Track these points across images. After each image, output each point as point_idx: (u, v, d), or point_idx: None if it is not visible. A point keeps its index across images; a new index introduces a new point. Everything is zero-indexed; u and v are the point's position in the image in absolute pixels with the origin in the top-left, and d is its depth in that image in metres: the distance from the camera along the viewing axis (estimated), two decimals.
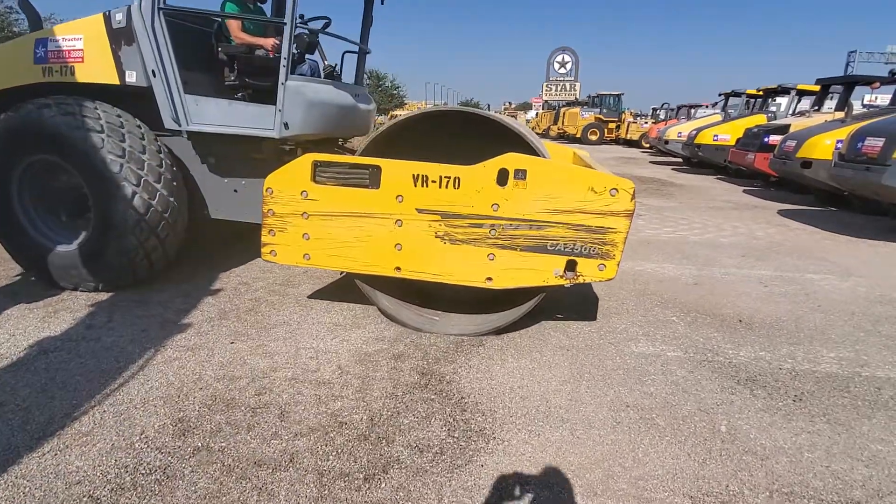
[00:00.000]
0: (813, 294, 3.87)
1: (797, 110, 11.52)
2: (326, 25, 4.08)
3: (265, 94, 3.45)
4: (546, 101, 39.48)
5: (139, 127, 3.36)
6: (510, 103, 68.47)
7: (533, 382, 2.45)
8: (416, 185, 2.52)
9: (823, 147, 7.51)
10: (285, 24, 3.25)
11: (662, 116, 22.63)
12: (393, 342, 2.82)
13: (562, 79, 39.52)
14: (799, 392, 2.43)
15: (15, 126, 3.22)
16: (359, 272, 2.80)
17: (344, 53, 4.47)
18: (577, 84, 38.95)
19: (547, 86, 39.60)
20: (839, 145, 6.84)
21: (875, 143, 5.66)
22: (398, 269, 2.67)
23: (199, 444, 1.92)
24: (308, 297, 3.47)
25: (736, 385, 2.48)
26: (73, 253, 3.30)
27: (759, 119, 12.00)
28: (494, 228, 2.51)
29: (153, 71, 3.28)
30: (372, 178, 2.57)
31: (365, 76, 4.85)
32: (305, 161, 2.62)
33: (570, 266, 2.50)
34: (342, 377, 2.44)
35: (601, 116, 25.55)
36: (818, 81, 10.45)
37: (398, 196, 2.55)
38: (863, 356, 2.83)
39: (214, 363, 2.53)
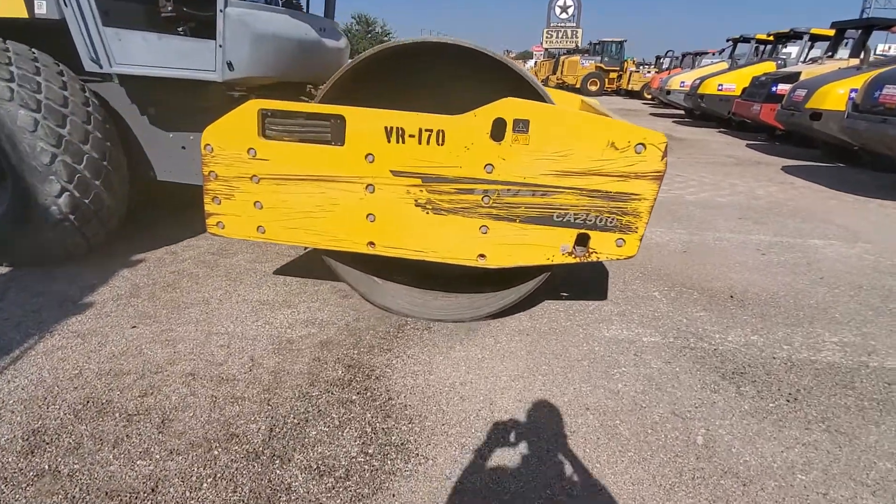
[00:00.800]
0: (815, 263, 3.44)
1: (809, 57, 10.71)
2: None
3: (210, 28, 2.84)
4: (546, 50, 37.68)
5: (86, 105, 2.77)
6: (509, 52, 65.72)
7: (479, 378, 2.06)
8: (389, 141, 2.04)
9: (836, 97, 6.91)
10: None
11: (667, 65, 21.49)
12: (323, 326, 2.42)
13: (563, 25, 37.37)
14: (794, 389, 2.05)
15: None
16: (325, 248, 2.34)
17: None
18: (580, 31, 36.85)
19: (547, 32, 37.51)
20: (854, 95, 6.25)
21: (894, 92, 5.08)
22: (372, 244, 2.23)
23: (47, 467, 1.54)
24: (241, 269, 3.04)
25: (720, 380, 2.09)
26: None
27: (769, 67, 11.22)
28: (488, 195, 2.06)
29: None
30: (334, 131, 2.09)
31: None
32: (249, 109, 2.11)
33: (581, 241, 2.07)
34: (251, 372, 2.05)
35: (602, 65, 24.30)
36: (833, 25, 9.63)
37: (368, 155, 2.08)
38: (870, 341, 2.44)
39: (104, 354, 2.13)
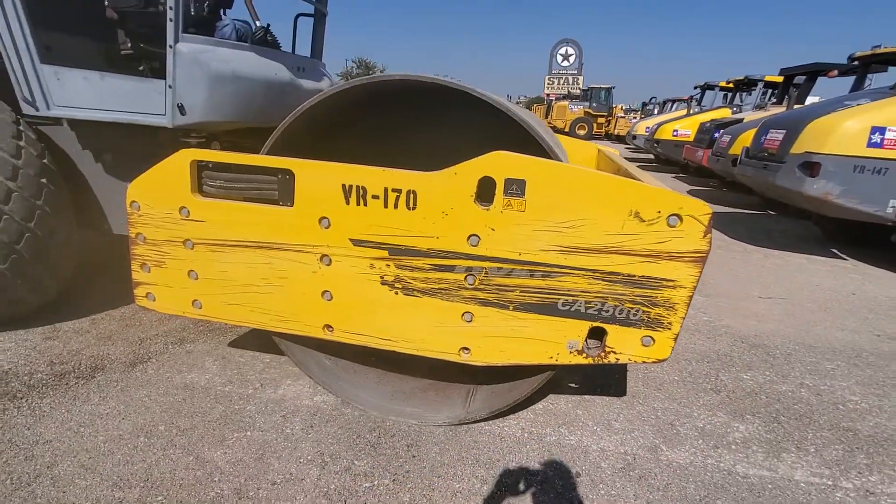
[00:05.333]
0: None
1: (759, 105, 10.58)
2: None
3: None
4: (547, 95, 38.45)
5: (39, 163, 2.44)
6: (524, 97, 66.29)
7: (71, 438, 1.85)
8: (348, 203, 1.70)
9: None
10: None
11: (652, 111, 21.58)
12: None
13: (564, 72, 38.35)
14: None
15: None
16: (272, 331, 1.98)
17: (297, 17, 3.54)
18: (581, 77, 37.68)
19: (549, 79, 38.44)
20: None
21: (775, 137, 4.88)
22: (329, 327, 1.88)
23: None
24: None
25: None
26: None
27: (723, 113, 11.10)
28: (473, 274, 1.68)
29: None
30: (282, 189, 1.79)
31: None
32: (181, 161, 1.85)
33: (596, 335, 1.67)
34: None
35: (590, 111, 24.55)
36: (782, 72, 9.50)
37: (322, 219, 1.75)
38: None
39: None
